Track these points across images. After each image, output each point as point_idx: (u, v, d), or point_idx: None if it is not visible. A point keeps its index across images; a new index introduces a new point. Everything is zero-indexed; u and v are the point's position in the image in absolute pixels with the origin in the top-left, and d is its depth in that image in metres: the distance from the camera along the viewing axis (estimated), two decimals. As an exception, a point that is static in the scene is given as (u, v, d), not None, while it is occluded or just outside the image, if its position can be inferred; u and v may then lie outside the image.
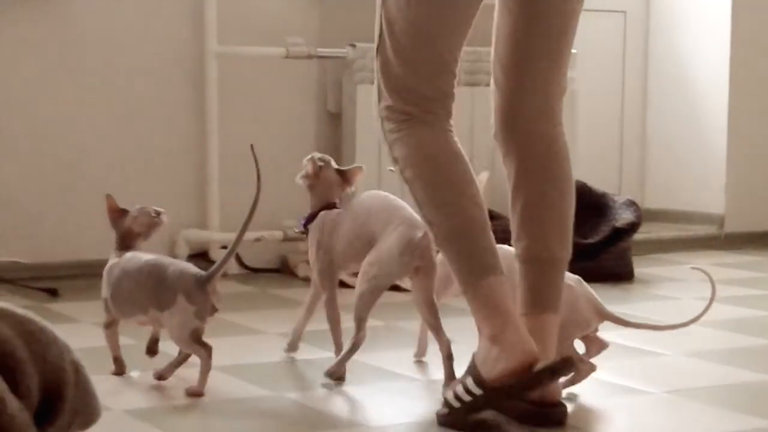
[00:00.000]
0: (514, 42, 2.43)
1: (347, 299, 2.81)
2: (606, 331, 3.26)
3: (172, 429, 2.32)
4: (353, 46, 4.33)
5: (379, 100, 2.41)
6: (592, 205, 4.40)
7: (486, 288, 2.28)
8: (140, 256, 2.63)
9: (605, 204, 4.42)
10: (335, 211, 2.85)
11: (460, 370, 2.74)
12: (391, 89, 2.39)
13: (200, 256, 4.31)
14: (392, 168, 2.43)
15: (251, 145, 2.59)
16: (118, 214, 2.71)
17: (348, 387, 2.66)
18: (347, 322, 2.73)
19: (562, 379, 2.42)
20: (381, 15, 2.38)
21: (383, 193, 2.81)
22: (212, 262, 4.34)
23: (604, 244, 4.22)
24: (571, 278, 2.58)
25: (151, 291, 2.55)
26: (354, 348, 2.68)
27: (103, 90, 4.16)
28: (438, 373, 2.76)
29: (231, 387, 2.65)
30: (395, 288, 3.93)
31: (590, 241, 4.21)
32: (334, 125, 4.47)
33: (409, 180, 2.37)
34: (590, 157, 5.12)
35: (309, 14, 4.46)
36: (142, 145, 4.23)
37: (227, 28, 4.31)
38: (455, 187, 2.35)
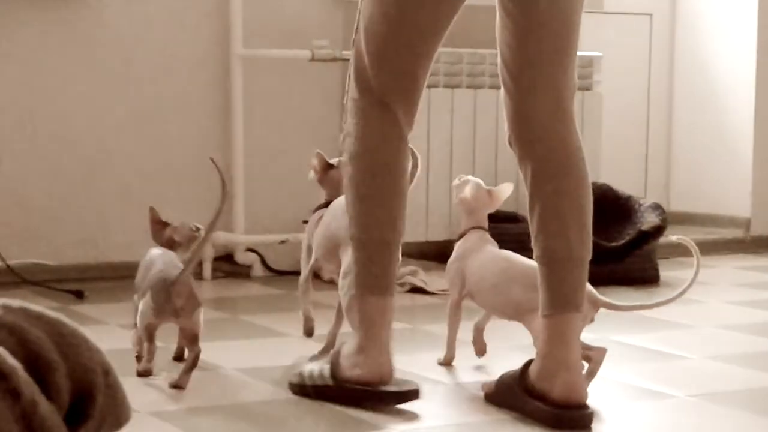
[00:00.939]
0: (520, 48, 2.44)
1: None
2: (630, 335, 3.26)
3: (194, 431, 2.33)
4: (378, 48, 4.33)
5: (347, 91, 2.54)
6: (617, 208, 4.40)
7: (372, 304, 2.47)
8: (157, 251, 2.74)
9: (631, 207, 4.42)
10: (323, 210, 2.90)
11: (461, 370, 2.75)
12: (357, 84, 2.51)
13: (225, 259, 4.32)
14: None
15: (211, 158, 2.68)
16: (160, 226, 2.83)
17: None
18: (347, 326, 2.70)
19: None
20: (359, 10, 2.50)
21: None
22: (237, 265, 4.40)
23: (629, 247, 4.21)
24: None
25: (140, 282, 2.70)
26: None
27: (128, 92, 4.18)
28: (464, 378, 2.76)
29: (255, 389, 2.65)
30: (420, 291, 3.95)
31: (616, 244, 4.20)
32: (359, 128, 4.46)
33: (347, 176, 2.50)
34: (615, 160, 5.11)
35: (334, 17, 4.47)
36: (166, 148, 4.25)
37: (252, 31, 4.32)
38: (381, 205, 2.48)
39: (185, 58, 4.26)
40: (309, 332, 2.93)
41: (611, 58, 4.89)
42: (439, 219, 4.42)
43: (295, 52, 4.33)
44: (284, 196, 4.36)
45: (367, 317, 2.47)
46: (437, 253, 4.17)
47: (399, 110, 2.49)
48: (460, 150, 4.45)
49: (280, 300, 3.87)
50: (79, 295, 3.78)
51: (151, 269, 2.66)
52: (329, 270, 2.91)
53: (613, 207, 4.38)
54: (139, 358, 2.75)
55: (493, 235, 2.87)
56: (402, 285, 3.94)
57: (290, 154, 4.35)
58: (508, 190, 2.87)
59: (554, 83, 2.44)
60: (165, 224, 2.82)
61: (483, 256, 2.78)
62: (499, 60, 2.49)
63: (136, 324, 2.70)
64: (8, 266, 3.90)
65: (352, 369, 2.48)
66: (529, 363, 2.44)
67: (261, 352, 3.05)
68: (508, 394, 2.45)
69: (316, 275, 3.01)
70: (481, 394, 2.55)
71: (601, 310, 2.61)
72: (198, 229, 2.83)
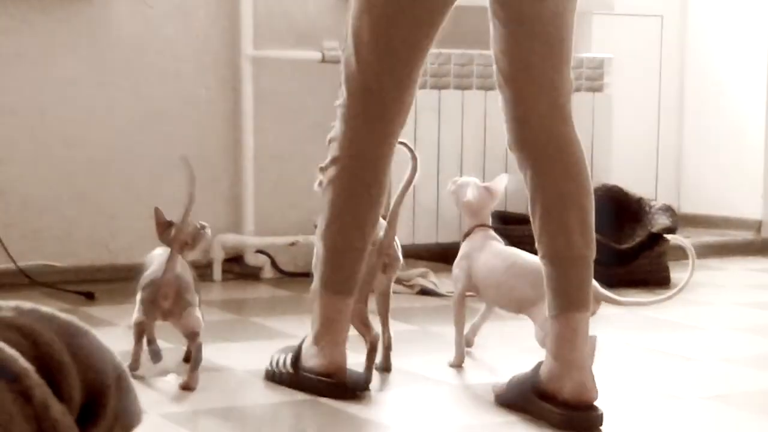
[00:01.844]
0: (512, 53, 2.45)
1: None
2: (641, 337, 3.26)
3: (208, 433, 2.33)
4: (388, 50, 4.32)
5: (339, 96, 2.60)
6: (628, 210, 4.39)
7: (334, 303, 2.58)
8: (159, 251, 2.77)
9: (641, 209, 4.41)
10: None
11: (471, 372, 2.75)
12: (348, 89, 2.57)
13: (235, 261, 4.32)
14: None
15: (182, 156, 2.75)
16: (165, 226, 2.82)
17: (381, 392, 2.66)
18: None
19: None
20: (350, 16, 2.54)
21: None
22: (247, 267, 4.39)
23: (640, 249, 4.21)
24: None
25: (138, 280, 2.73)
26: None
27: (138, 93, 4.18)
28: (473, 379, 2.75)
29: (266, 391, 2.65)
30: (430, 293, 3.94)
31: (626, 246, 4.20)
32: (369, 129, 4.46)
33: (327, 178, 2.57)
34: (626, 162, 5.10)
35: (345, 18, 4.45)
36: (176, 149, 4.24)
37: (262, 32, 4.32)
38: (356, 214, 2.55)
39: (195, 59, 4.26)
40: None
41: (622, 60, 4.87)
42: (449, 221, 4.41)
43: (306, 53, 4.33)
44: (294, 197, 4.36)
45: (329, 314, 2.59)
46: (448, 255, 4.16)
47: (393, 108, 2.52)
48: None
49: (290, 302, 3.87)
50: (89, 297, 3.78)
51: (144, 267, 2.68)
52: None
53: (623, 209, 4.38)
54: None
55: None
56: (412, 287, 3.93)
57: (300, 155, 4.34)
58: (504, 182, 2.91)
59: (549, 84, 2.45)
60: (170, 224, 2.82)
61: (488, 252, 2.83)
62: (495, 69, 2.51)
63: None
64: (19, 268, 3.90)
65: (310, 360, 2.61)
66: (540, 364, 2.43)
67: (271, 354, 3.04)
68: (519, 395, 2.45)
69: None
70: (491, 395, 2.55)
71: (601, 309, 2.61)
72: (203, 227, 2.82)
